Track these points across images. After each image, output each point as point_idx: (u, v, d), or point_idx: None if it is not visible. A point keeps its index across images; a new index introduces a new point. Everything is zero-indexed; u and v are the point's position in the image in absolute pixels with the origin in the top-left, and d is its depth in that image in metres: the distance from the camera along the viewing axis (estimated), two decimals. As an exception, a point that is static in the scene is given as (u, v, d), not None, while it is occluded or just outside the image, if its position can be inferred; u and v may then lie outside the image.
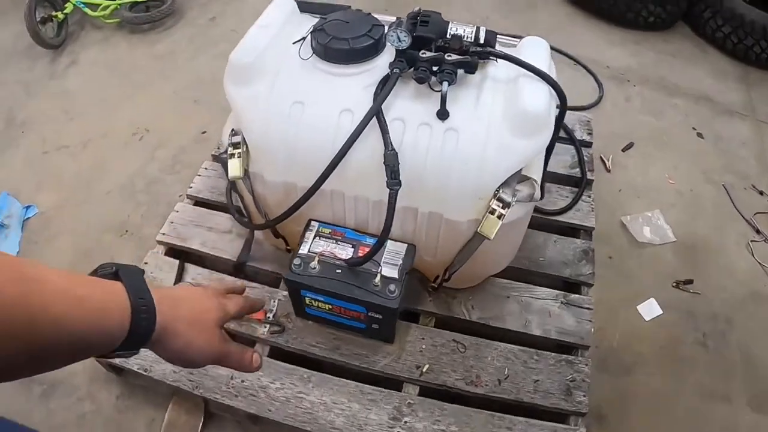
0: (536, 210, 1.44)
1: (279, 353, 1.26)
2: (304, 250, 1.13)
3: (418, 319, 1.29)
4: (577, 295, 1.31)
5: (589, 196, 1.50)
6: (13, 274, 0.41)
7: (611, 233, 1.60)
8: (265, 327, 1.26)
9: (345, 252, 1.11)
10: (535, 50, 1.08)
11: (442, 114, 0.97)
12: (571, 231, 1.46)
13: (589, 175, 1.54)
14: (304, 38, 1.07)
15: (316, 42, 1.04)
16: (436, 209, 1.03)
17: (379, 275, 1.07)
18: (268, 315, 1.28)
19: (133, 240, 1.61)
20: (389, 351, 1.22)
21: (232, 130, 1.11)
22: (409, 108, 0.99)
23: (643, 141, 1.85)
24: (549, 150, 1.11)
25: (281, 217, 1.19)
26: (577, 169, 1.56)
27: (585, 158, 1.59)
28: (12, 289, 0.40)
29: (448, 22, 1.00)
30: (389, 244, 1.12)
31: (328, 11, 1.19)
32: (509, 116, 0.96)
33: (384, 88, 0.97)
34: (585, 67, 2.08)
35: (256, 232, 1.34)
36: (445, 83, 0.94)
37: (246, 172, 1.14)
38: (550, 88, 0.98)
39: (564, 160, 1.59)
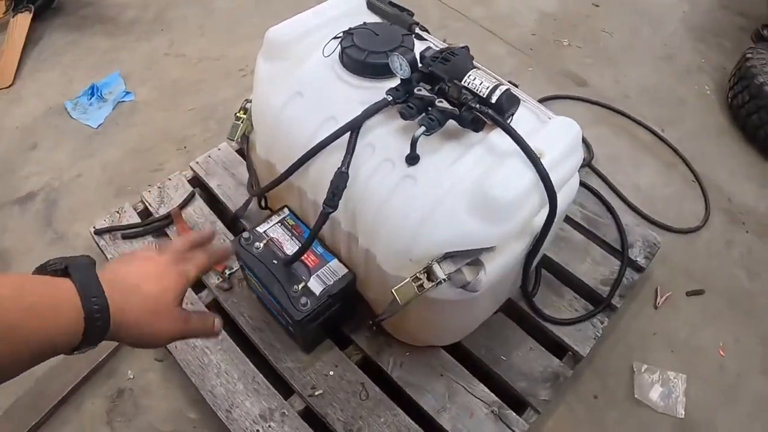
0: (531, 307, 1.31)
1: (215, 308, 1.32)
2: (260, 229, 1.15)
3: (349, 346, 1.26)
4: (515, 415, 1.16)
5: (602, 322, 1.32)
6: None
7: (614, 373, 1.39)
8: (218, 279, 1.33)
9: (292, 248, 1.12)
10: (559, 132, 0.97)
11: (410, 158, 0.92)
12: (556, 348, 1.30)
13: (615, 302, 1.35)
14: (336, 37, 1.07)
15: (340, 45, 1.04)
16: (372, 249, 0.99)
17: (303, 284, 1.07)
18: (226, 270, 1.34)
19: (183, 156, 1.77)
20: (300, 359, 1.21)
21: (248, 98, 1.18)
22: (386, 139, 0.95)
23: (718, 295, 1.56)
24: (532, 253, 1.00)
25: (257, 191, 1.23)
26: (607, 288, 1.37)
27: (625, 281, 1.39)
28: None
29: (473, 68, 0.94)
30: (333, 263, 1.10)
31: (392, 17, 1.18)
32: (471, 190, 0.87)
33: (367, 108, 0.94)
34: (702, 188, 1.80)
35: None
36: (422, 128, 0.89)
37: (246, 138, 1.20)
38: (540, 180, 0.87)
39: (600, 271, 1.40)
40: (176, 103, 1.94)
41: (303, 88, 1.06)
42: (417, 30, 1.16)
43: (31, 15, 2.15)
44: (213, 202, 1.53)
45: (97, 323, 0.49)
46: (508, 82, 1.13)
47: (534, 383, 1.21)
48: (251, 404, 1.15)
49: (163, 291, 0.58)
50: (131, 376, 1.31)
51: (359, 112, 0.96)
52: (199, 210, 1.48)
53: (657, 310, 1.52)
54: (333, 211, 0.95)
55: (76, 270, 0.51)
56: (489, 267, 0.92)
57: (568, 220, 1.48)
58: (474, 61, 1.01)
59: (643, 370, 1.40)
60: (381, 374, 1.21)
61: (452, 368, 1.21)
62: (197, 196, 1.50)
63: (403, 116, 0.92)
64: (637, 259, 1.43)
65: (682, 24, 2.45)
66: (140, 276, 0.57)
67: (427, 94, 0.90)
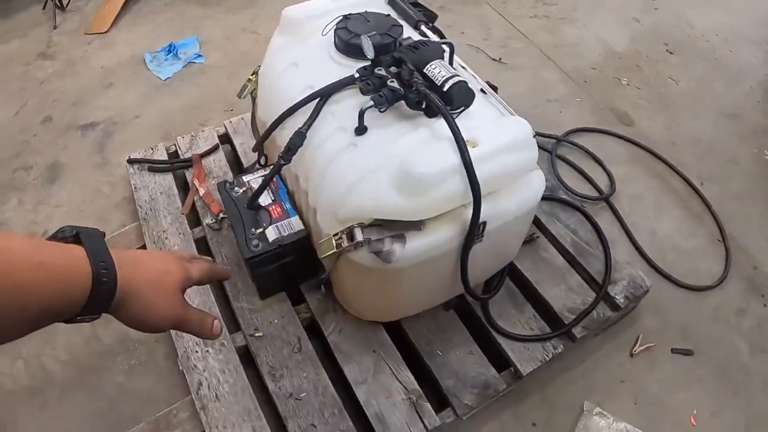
0: (483, 312, 1.35)
1: (203, 244, 1.50)
2: (245, 178, 1.31)
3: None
4: (431, 409, 1.19)
5: (556, 348, 1.32)
6: None
7: (563, 408, 1.37)
8: (211, 220, 1.51)
9: (266, 200, 1.27)
10: (505, 129, 1.02)
11: (358, 129, 1.03)
12: (499, 360, 1.31)
13: (576, 332, 1.34)
14: (337, 21, 1.21)
15: (335, 27, 1.18)
16: (316, 207, 1.11)
17: (261, 229, 1.21)
18: (220, 214, 1.51)
19: (227, 117, 1.99)
20: (254, 303, 1.34)
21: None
22: (347, 110, 1.07)
23: (709, 361, 1.46)
24: (466, 247, 1.05)
25: (254, 147, 1.40)
26: (573, 317, 1.37)
27: (596, 315, 1.38)
28: None
29: (437, 60, 1.03)
30: (294, 219, 1.23)
31: (404, 13, 1.30)
32: (398, 165, 0.96)
33: (336, 81, 1.07)
34: (726, 249, 1.71)
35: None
36: (371, 103, 1.00)
37: (253, 100, 1.38)
38: (465, 170, 0.93)
39: (572, 299, 1.39)
40: (238, 72, 2.19)
41: (299, 60, 1.21)
42: (422, 27, 1.27)
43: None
44: (236, 158, 1.72)
45: (104, 286, 0.51)
46: (488, 83, 1.21)
47: (461, 385, 1.25)
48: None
49: (168, 272, 0.60)
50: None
51: (334, 87, 1.09)
52: (218, 161, 1.68)
53: (633, 357, 1.48)
54: (285, 164, 1.08)
55: (87, 237, 0.53)
56: (411, 244, 1.00)
57: (555, 243, 1.50)
58: (460, 64, 1.12)
59: (594, 413, 1.37)
60: (321, 336, 1.31)
61: (386, 348, 1.28)
62: (220, 149, 1.71)
63: (362, 91, 1.03)
64: (616, 296, 1.41)
65: (759, 86, 2.31)
66: (147, 257, 0.60)
67: (384, 74, 1.01)
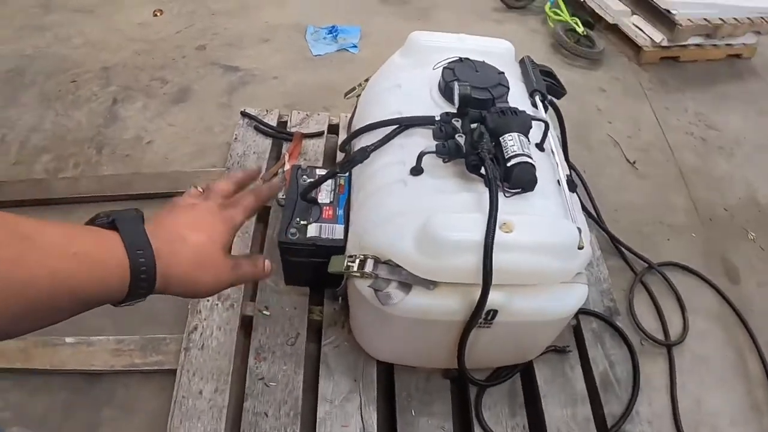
0: (475, 404, 1.34)
1: (263, 214, 1.65)
2: (319, 171, 1.43)
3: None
4: None
5: None
6: (8, 232, 0.44)
7: None
8: (283, 197, 1.65)
9: (325, 198, 1.38)
10: (551, 229, 1.01)
11: (413, 169, 1.10)
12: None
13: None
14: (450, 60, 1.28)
15: (444, 66, 1.25)
16: (352, 222, 1.19)
17: (306, 222, 1.32)
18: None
19: (348, 110, 2.15)
20: (278, 284, 1.45)
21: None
22: (416, 147, 1.10)
23: None
24: (467, 330, 1.07)
25: (339, 147, 1.52)
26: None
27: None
28: (9, 248, 0.43)
29: (518, 134, 1.06)
30: (339, 227, 1.29)
31: (527, 78, 1.35)
32: (424, 217, 0.99)
33: (416, 116, 1.15)
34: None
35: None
36: (433, 149, 1.05)
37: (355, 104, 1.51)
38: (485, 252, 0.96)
39: (570, 430, 1.35)
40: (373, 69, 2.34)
41: (404, 83, 1.30)
42: (536, 97, 1.30)
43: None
44: (335, 150, 1.87)
45: (142, 275, 0.50)
46: (570, 177, 1.20)
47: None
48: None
49: (210, 241, 0.58)
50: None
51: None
52: (317, 147, 1.83)
53: None
54: (339, 173, 1.18)
55: (123, 222, 0.52)
56: (414, 298, 1.05)
57: (585, 365, 1.43)
58: (552, 147, 1.15)
59: None
60: (318, 342, 1.39)
61: (367, 383, 1.32)
62: (324, 136, 1.86)
63: (433, 135, 1.10)
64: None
65: None
66: (187, 225, 0.58)
67: (457, 126, 1.07)
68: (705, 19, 2.63)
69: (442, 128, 1.08)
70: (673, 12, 2.56)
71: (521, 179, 1.03)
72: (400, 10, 2.78)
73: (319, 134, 1.85)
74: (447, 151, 1.05)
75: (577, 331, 1.49)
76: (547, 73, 1.41)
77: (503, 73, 1.26)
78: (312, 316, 1.43)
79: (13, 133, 2.06)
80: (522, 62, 1.40)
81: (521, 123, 1.08)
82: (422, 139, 1.16)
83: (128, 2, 2.74)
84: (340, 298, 1.38)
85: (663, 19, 2.65)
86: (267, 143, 1.82)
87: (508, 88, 1.23)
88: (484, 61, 1.29)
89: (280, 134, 1.84)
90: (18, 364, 1.38)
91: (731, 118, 2.56)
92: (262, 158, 1.76)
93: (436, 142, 1.08)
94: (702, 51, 2.80)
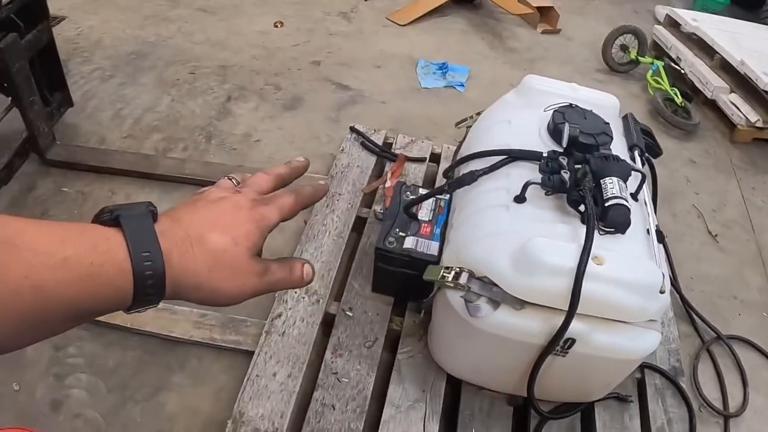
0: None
1: (359, 219, 1.91)
2: (422, 190, 1.68)
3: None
4: None
5: None
6: None
7: None
8: (381, 210, 1.91)
9: (424, 215, 1.61)
10: (636, 267, 1.18)
11: (517, 197, 1.31)
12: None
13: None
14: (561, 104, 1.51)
15: (555, 109, 1.48)
16: (449, 239, 1.42)
17: (404, 235, 1.55)
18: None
19: (447, 143, 2.41)
20: (364, 288, 1.69)
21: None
22: (521, 177, 1.32)
23: None
24: (542, 355, 1.25)
25: (444, 171, 1.77)
26: None
27: None
28: None
29: (617, 179, 1.25)
30: (434, 243, 1.53)
31: (628, 133, 1.56)
32: (523, 240, 1.19)
33: (525, 150, 1.38)
34: None
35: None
36: (538, 181, 1.27)
37: (465, 133, 1.76)
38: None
39: None
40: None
41: (514, 120, 1.54)
42: (635, 153, 1.51)
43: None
44: (433, 177, 2.12)
45: (149, 281, 0.47)
46: (657, 230, 1.39)
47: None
48: (316, 282, 1.71)
49: (233, 242, 0.53)
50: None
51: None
52: (417, 171, 2.09)
53: None
54: (448, 191, 1.42)
55: (128, 219, 0.48)
56: (500, 314, 1.25)
57: (644, 419, 1.57)
58: (645, 199, 1.34)
59: None
60: (394, 350, 1.60)
61: (435, 395, 1.51)
62: (425, 163, 2.12)
63: (540, 168, 1.32)
64: None
65: None
66: (207, 224, 0.53)
67: (564, 164, 1.29)
68: (801, 103, 2.80)
69: (548, 163, 1.30)
70: (772, 94, 2.74)
71: (616, 220, 1.22)
72: (508, 58, 3.07)
73: (422, 160, 2.11)
74: (551, 184, 1.26)
75: (640, 384, 1.64)
76: (647, 133, 1.62)
77: (609, 123, 1.47)
78: (392, 324, 1.65)
79: (129, 108, 2.45)
80: (625, 118, 1.61)
81: (622, 170, 1.28)
82: (528, 171, 1.37)
83: (251, 10, 3.18)
84: (423, 312, 1.59)
85: (760, 99, 2.84)
86: (371, 160, 2.09)
87: (612, 138, 1.43)
88: (591, 110, 1.50)
89: (384, 153, 2.11)
90: (100, 318, 1.65)
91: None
92: (365, 173, 2.04)
93: (541, 175, 1.30)
94: (794, 135, 2.95)
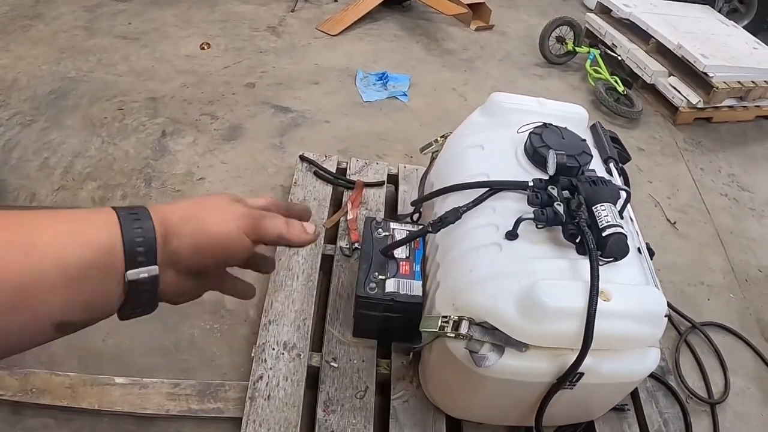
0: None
1: (328, 261, 1.78)
2: (392, 224, 1.56)
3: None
4: None
5: None
6: None
7: None
8: (346, 244, 1.79)
9: (401, 254, 1.50)
10: (643, 298, 1.14)
11: (509, 234, 1.23)
12: None
13: None
14: (534, 125, 1.43)
15: (531, 130, 1.40)
16: (440, 283, 1.32)
17: (384, 277, 1.44)
18: (356, 243, 1.78)
19: (404, 160, 2.31)
20: (345, 335, 1.56)
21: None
22: (508, 211, 1.25)
23: None
24: (552, 389, 1.19)
25: (413, 202, 1.66)
26: None
27: None
28: None
29: (609, 204, 1.19)
30: (416, 282, 1.42)
31: (600, 144, 1.50)
32: (525, 282, 1.11)
33: (509, 181, 1.29)
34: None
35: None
36: (531, 216, 1.18)
37: (431, 160, 1.66)
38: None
39: None
40: (431, 125, 2.53)
41: (487, 144, 1.45)
42: (611, 165, 1.45)
43: (382, -1, 3.06)
44: (394, 201, 2.02)
45: (135, 225, 0.44)
46: (648, 246, 1.35)
47: None
48: (286, 332, 1.57)
49: (225, 221, 0.52)
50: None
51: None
52: (378, 196, 1.98)
53: None
54: (431, 232, 1.31)
55: (121, 209, 0.46)
56: (506, 360, 1.17)
57: (641, 423, 1.55)
58: (630, 215, 1.28)
59: None
60: (387, 396, 1.49)
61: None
62: (384, 187, 2.01)
63: (528, 201, 1.22)
64: None
65: None
66: (201, 207, 0.51)
67: (555, 194, 1.21)
68: (739, 82, 2.91)
69: (537, 195, 1.22)
70: (711, 75, 2.81)
71: (616, 249, 1.15)
72: (446, 61, 3.00)
73: (380, 184, 2.00)
74: (545, 219, 1.18)
75: (632, 391, 1.60)
76: (615, 140, 1.57)
77: (585, 140, 1.41)
78: (380, 369, 1.54)
79: (56, 156, 2.20)
80: (594, 128, 1.55)
81: (611, 193, 1.22)
82: (514, 203, 1.29)
83: (174, 33, 2.95)
84: (411, 354, 1.49)
85: (699, 81, 2.91)
86: (327, 190, 1.96)
87: (592, 156, 1.38)
88: (566, 128, 1.43)
89: (339, 181, 1.98)
90: (65, 402, 1.47)
91: (761, 179, 2.81)
92: (323, 205, 1.90)
93: (532, 208, 1.22)
94: (733, 112, 3.07)
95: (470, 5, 3.35)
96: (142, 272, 0.44)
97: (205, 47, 2.81)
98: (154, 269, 0.45)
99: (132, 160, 2.21)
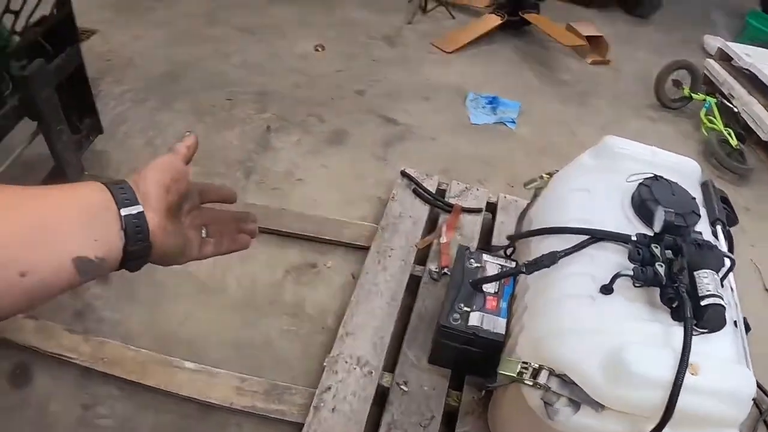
0: None
1: (413, 282, 1.84)
2: (484, 257, 1.61)
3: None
4: None
5: None
6: None
7: None
8: (436, 269, 1.83)
9: (489, 288, 1.54)
10: (731, 380, 1.12)
11: (605, 288, 1.24)
12: None
13: None
14: (646, 175, 1.44)
15: (641, 181, 1.41)
16: (525, 326, 1.35)
17: (469, 310, 1.49)
18: (446, 268, 1.82)
19: (503, 189, 2.34)
20: (420, 360, 1.63)
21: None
22: (607, 262, 1.28)
23: None
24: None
25: (510, 236, 1.69)
26: None
27: None
28: None
29: (712, 271, 1.18)
30: (501, 320, 1.48)
31: (710, 206, 1.48)
32: (614, 343, 1.13)
33: (612, 232, 1.30)
34: None
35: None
36: (630, 273, 1.20)
37: (534, 195, 1.68)
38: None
39: None
40: (537, 157, 2.57)
41: (594, 189, 1.48)
42: (718, 228, 1.43)
43: (501, 21, 3.15)
44: (490, 230, 2.05)
45: (126, 200, 0.56)
46: (745, 321, 1.30)
47: None
48: (361, 347, 1.65)
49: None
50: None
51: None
52: (473, 222, 2.03)
53: None
54: (524, 272, 1.35)
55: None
56: (580, 417, 1.18)
57: None
58: (731, 285, 1.26)
59: None
60: (452, 427, 1.54)
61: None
62: (482, 215, 2.05)
63: (629, 256, 1.25)
64: None
65: None
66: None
67: (657, 254, 1.21)
68: None
69: (639, 251, 1.23)
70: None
71: (713, 320, 1.16)
72: (558, 92, 3.01)
73: (478, 210, 2.05)
74: (644, 278, 1.20)
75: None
76: (725, 200, 1.54)
77: (695, 198, 1.40)
78: (449, 400, 1.59)
79: (162, 137, 2.40)
80: (705, 186, 1.54)
81: (716, 260, 1.23)
82: (613, 255, 1.31)
83: (292, 31, 3.13)
84: (483, 391, 1.52)
85: None
86: (424, 210, 2.04)
87: (700, 216, 1.39)
88: (677, 183, 1.44)
89: (437, 203, 2.04)
90: (133, 377, 1.59)
91: None
92: (418, 225, 1.98)
93: (632, 265, 1.23)
94: None
95: (588, 38, 3.36)
96: (131, 210, 0.56)
97: (319, 49, 2.97)
98: (138, 207, 0.57)
99: (235, 151, 2.36)
